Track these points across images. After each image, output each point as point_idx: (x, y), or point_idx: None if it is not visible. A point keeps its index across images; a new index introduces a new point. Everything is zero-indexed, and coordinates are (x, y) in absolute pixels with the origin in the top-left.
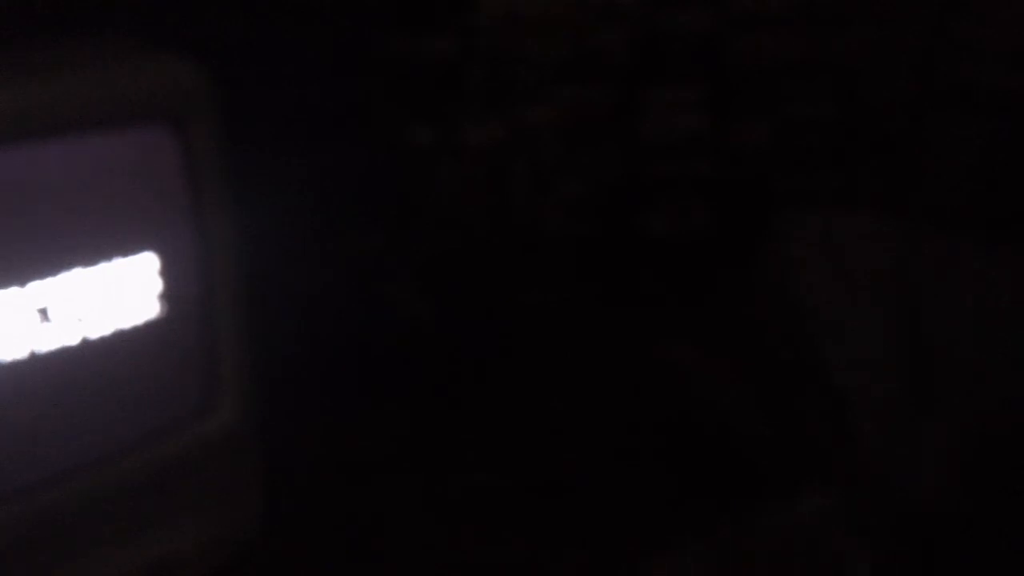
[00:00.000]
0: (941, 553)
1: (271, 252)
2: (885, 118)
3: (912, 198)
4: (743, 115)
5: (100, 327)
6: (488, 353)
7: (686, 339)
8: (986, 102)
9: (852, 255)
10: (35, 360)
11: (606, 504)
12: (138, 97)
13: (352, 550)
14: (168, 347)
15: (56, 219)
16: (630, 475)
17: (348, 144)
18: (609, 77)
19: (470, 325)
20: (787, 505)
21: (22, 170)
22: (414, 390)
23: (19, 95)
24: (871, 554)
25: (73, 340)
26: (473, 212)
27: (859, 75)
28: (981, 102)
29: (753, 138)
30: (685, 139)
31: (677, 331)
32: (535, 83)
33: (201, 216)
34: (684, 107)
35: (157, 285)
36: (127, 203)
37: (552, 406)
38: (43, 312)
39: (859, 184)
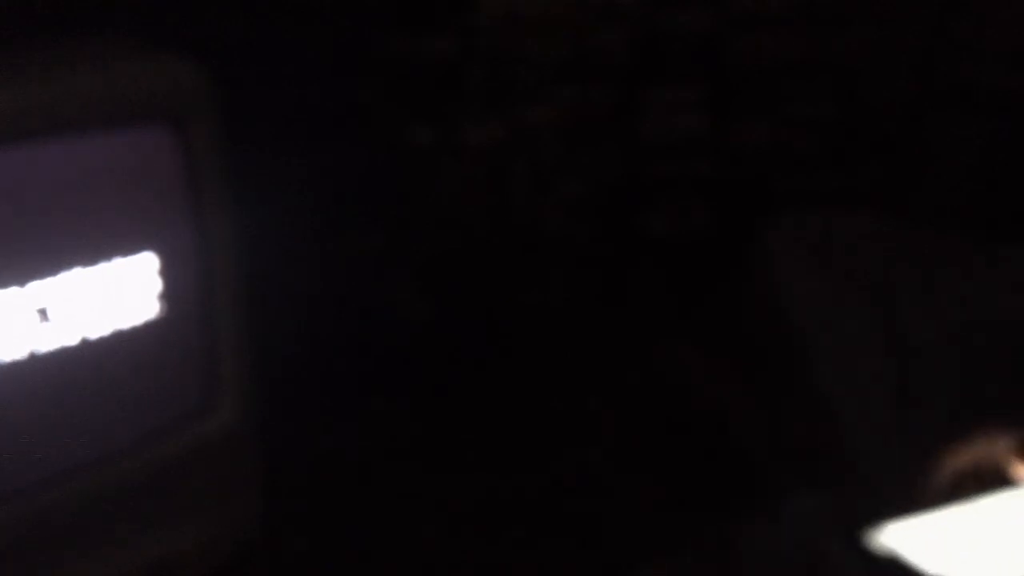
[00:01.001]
0: None
1: (271, 252)
2: (885, 118)
3: (912, 198)
4: (743, 115)
5: (100, 327)
6: (488, 353)
7: (686, 339)
8: (986, 102)
9: (850, 256)
10: (35, 360)
11: (605, 504)
12: (138, 97)
13: (352, 550)
14: (168, 347)
15: (56, 219)
16: (629, 475)
17: (348, 144)
18: (609, 77)
19: (470, 325)
20: (783, 505)
21: (22, 170)
22: (414, 390)
23: (19, 95)
24: (863, 554)
25: (73, 340)
26: (473, 212)
27: (859, 75)
28: (981, 102)
29: (753, 138)
30: (685, 139)
31: (677, 331)
32: (535, 83)
33: (201, 216)
34: (684, 107)
35: (157, 285)
36: (127, 203)
37: (552, 406)
38: (43, 312)
39: (859, 184)
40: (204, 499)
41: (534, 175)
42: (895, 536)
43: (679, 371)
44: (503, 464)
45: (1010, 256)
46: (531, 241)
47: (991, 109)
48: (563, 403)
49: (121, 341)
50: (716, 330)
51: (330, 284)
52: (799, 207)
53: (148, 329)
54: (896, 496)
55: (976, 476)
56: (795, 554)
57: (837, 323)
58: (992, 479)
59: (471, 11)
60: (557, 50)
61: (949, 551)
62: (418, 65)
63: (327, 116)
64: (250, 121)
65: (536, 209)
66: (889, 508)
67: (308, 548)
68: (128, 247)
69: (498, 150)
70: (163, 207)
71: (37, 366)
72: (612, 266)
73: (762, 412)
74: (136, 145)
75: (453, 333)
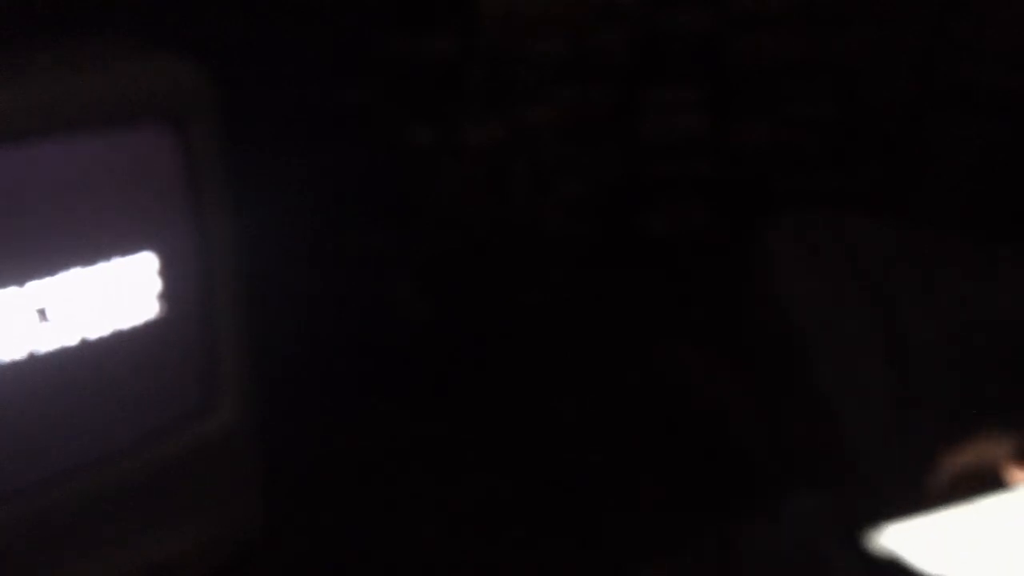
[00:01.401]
0: None
1: (271, 252)
2: (885, 118)
3: (912, 198)
4: (743, 115)
5: (99, 327)
6: (488, 353)
7: (686, 339)
8: (986, 102)
9: (850, 256)
10: (35, 360)
11: (606, 504)
12: (138, 97)
13: (352, 550)
14: (168, 347)
15: (56, 219)
16: (629, 475)
17: (348, 144)
18: (609, 77)
19: (470, 325)
20: (783, 505)
21: (22, 170)
22: (414, 390)
23: (19, 95)
24: (863, 555)
25: (73, 340)
26: (473, 212)
27: (859, 75)
28: (981, 102)
29: (753, 138)
30: (685, 139)
31: (677, 331)
32: (535, 83)
33: (201, 216)
34: (684, 107)
35: (157, 285)
36: (127, 203)
37: (552, 406)
38: (42, 312)
39: (859, 184)
40: (204, 499)
41: (534, 175)
42: (895, 537)
43: (679, 371)
44: (503, 464)
45: (1010, 256)
46: (531, 241)
47: (991, 109)
48: (563, 403)
49: (121, 341)
50: (716, 330)
51: (330, 284)
52: (799, 207)
53: (148, 329)
54: (896, 496)
55: (976, 477)
56: (795, 554)
57: (837, 323)
58: (992, 480)
59: (471, 11)
60: (557, 50)
61: (949, 552)
62: (418, 65)
63: (327, 116)
64: (250, 121)
65: (536, 209)
66: (889, 508)
67: (308, 548)
68: (128, 247)
69: (498, 150)
70: (163, 207)
71: (37, 366)
72: (612, 266)
73: (762, 412)
74: (136, 145)
75: (453, 333)
